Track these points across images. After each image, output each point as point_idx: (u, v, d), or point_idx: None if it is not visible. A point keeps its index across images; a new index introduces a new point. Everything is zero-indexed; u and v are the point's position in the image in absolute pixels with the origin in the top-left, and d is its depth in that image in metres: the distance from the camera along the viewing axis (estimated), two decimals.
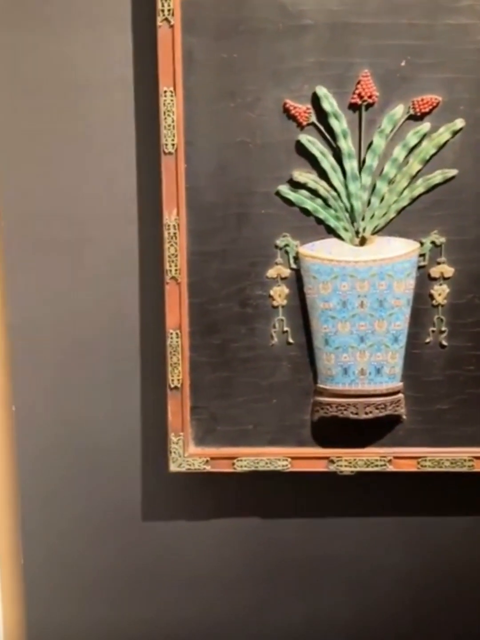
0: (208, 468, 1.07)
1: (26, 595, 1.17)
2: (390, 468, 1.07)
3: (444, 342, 1.05)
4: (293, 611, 1.17)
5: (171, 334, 1.05)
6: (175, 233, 1.02)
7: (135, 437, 1.12)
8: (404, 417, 1.07)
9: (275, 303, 1.05)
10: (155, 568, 1.16)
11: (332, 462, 1.07)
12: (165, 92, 0.99)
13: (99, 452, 1.13)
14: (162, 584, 1.17)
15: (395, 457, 1.06)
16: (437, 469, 1.06)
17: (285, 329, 1.06)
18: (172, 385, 1.06)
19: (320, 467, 1.07)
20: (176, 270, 1.03)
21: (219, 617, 1.17)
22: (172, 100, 1.00)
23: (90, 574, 1.17)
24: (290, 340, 1.06)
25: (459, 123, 1.00)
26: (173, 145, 1.00)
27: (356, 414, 1.05)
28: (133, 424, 1.12)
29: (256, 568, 1.16)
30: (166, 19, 0.98)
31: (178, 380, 1.05)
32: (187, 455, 1.07)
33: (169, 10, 0.97)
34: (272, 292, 1.05)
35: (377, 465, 1.07)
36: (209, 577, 1.16)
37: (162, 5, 0.97)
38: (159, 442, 1.10)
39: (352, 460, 1.07)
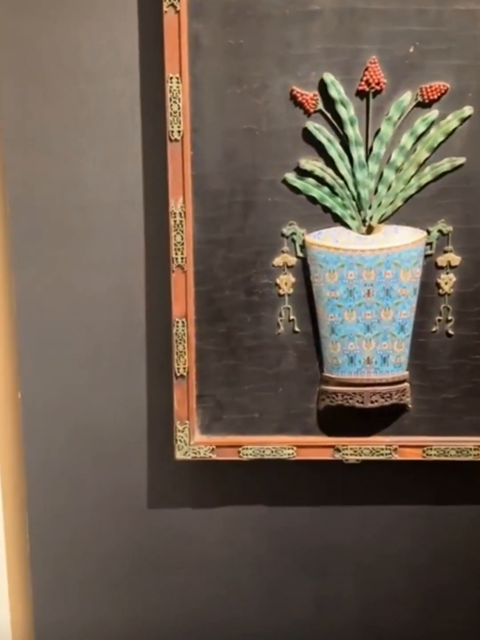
0: (214, 456, 1.08)
1: (32, 583, 1.18)
2: (396, 457, 1.07)
3: (451, 331, 1.05)
4: (300, 598, 1.17)
5: (177, 322, 1.05)
6: (181, 221, 1.02)
7: (141, 425, 1.12)
8: (410, 406, 1.07)
9: (281, 291, 1.05)
10: (161, 555, 1.17)
11: (338, 450, 1.07)
12: (171, 78, 0.99)
13: (105, 440, 1.13)
14: (167, 571, 1.17)
15: (401, 446, 1.07)
16: (442, 458, 1.06)
17: (292, 317, 1.06)
18: (178, 374, 1.06)
19: (325, 455, 1.07)
20: (182, 258, 1.03)
21: (225, 604, 1.18)
22: (178, 87, 0.99)
23: (96, 561, 1.17)
24: (297, 329, 1.06)
25: (468, 110, 0.99)
26: (179, 132, 1.00)
27: (362, 402, 1.05)
28: (139, 412, 1.12)
29: (262, 556, 1.16)
30: (172, 5, 0.97)
31: (184, 368, 1.05)
32: (193, 443, 1.07)
33: None
34: (278, 281, 1.05)
35: (382, 454, 1.07)
36: (215, 565, 1.17)
37: None
38: (165, 430, 1.10)
39: (357, 448, 1.07)
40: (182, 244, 1.02)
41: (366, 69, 0.98)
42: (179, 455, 1.08)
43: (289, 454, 1.07)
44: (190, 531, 1.16)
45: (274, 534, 1.15)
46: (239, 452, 1.07)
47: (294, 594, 1.17)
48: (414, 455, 1.07)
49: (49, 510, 1.16)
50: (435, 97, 0.99)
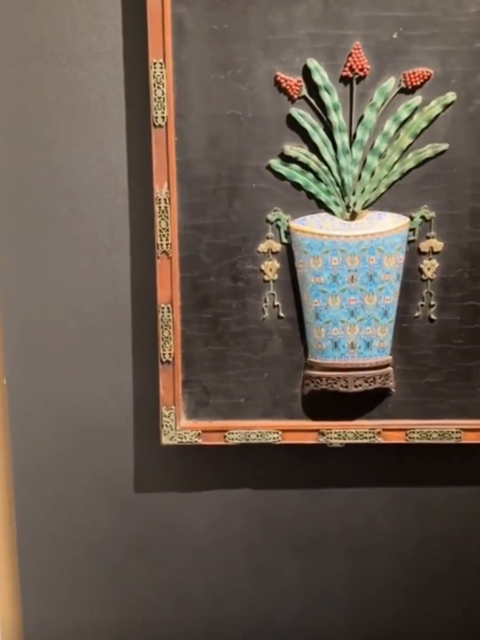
0: (200, 441, 1.08)
1: (19, 569, 1.19)
2: (379, 440, 1.08)
3: (433, 316, 1.06)
4: (289, 579, 1.19)
5: (163, 308, 1.05)
6: (166, 207, 1.02)
7: (128, 411, 1.13)
8: (393, 390, 1.08)
9: (266, 277, 1.06)
10: (149, 540, 1.18)
11: (322, 434, 1.08)
12: (155, 64, 0.98)
13: (91, 426, 1.13)
14: (155, 556, 1.18)
15: (384, 430, 1.08)
16: (425, 441, 1.08)
17: (277, 303, 1.06)
18: (164, 359, 1.06)
19: (310, 439, 1.09)
20: (167, 244, 1.03)
21: (215, 588, 1.19)
22: (162, 72, 0.98)
23: (84, 547, 1.18)
24: (281, 315, 1.07)
25: (451, 96, 1.00)
26: (163, 118, 1.00)
27: (346, 387, 1.06)
28: (125, 398, 1.12)
29: (250, 538, 1.17)
30: None
31: (170, 354, 1.06)
32: (179, 428, 1.08)
33: None
34: (263, 267, 1.05)
35: (366, 437, 1.08)
36: (203, 548, 1.18)
37: None
38: (151, 416, 1.10)
39: (341, 432, 1.08)
40: (167, 230, 1.03)
41: (350, 55, 0.98)
42: (165, 440, 1.09)
43: (274, 438, 1.09)
44: (178, 516, 1.17)
45: (261, 517, 1.17)
46: (225, 436, 1.08)
47: (283, 575, 1.19)
48: (397, 438, 1.08)
49: (36, 496, 1.16)
50: (419, 83, 0.99)
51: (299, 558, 1.18)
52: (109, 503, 1.16)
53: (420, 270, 1.05)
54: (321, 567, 1.18)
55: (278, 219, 1.04)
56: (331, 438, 1.08)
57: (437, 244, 1.04)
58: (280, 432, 1.08)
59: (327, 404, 1.08)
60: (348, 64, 0.99)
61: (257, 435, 1.08)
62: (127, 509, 1.16)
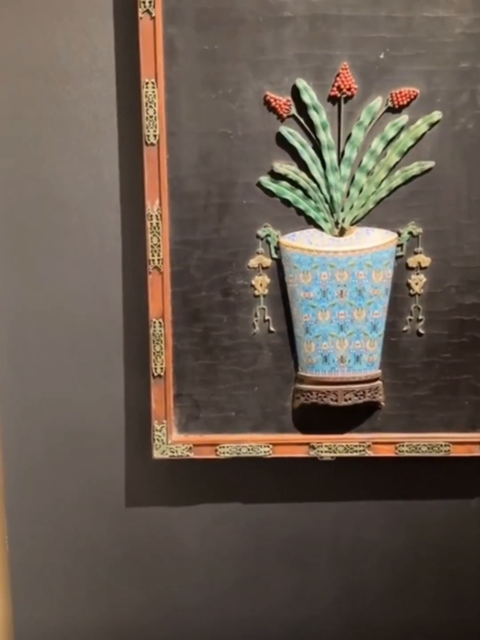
0: (191, 455, 1.09)
1: (11, 581, 1.19)
2: (369, 453, 1.09)
3: (421, 331, 1.07)
4: (279, 592, 1.19)
5: (154, 322, 1.06)
6: (157, 223, 1.03)
7: (119, 425, 1.14)
8: (382, 403, 1.09)
9: (256, 292, 1.07)
10: (140, 554, 1.18)
11: (313, 448, 1.09)
12: (146, 83, 1.00)
13: (83, 440, 1.14)
14: (146, 569, 1.18)
15: (374, 443, 1.09)
16: (414, 454, 1.09)
17: (267, 317, 1.07)
18: (156, 373, 1.07)
19: (301, 453, 1.09)
20: (159, 259, 1.04)
21: (204, 600, 1.19)
22: (153, 92, 1.00)
23: (75, 560, 1.18)
24: (272, 329, 1.08)
25: (436, 115, 1.02)
26: (155, 136, 1.01)
27: (336, 400, 1.07)
28: (117, 412, 1.13)
29: (240, 552, 1.18)
30: (147, 10, 0.98)
31: (161, 368, 1.07)
32: (171, 442, 1.09)
33: (150, 1, 0.98)
34: (253, 282, 1.07)
35: (356, 451, 1.09)
36: (194, 562, 1.18)
37: None
38: (143, 429, 1.11)
39: (332, 445, 1.09)
40: (159, 245, 1.04)
41: (338, 75, 1.00)
42: (156, 454, 1.09)
43: (265, 452, 1.09)
44: (169, 529, 1.17)
45: (252, 531, 1.17)
46: (216, 450, 1.09)
47: (274, 588, 1.19)
48: (387, 451, 1.09)
49: (28, 509, 1.16)
50: (405, 102, 1.01)
51: (289, 570, 1.19)
52: (100, 515, 1.16)
53: (408, 285, 1.06)
54: (312, 579, 1.19)
55: (268, 235, 1.05)
56: (322, 451, 1.09)
57: (425, 259, 1.06)
58: (271, 446, 1.09)
59: (317, 417, 1.09)
60: (336, 84, 1.01)
61: (248, 449, 1.09)
62: (118, 521, 1.17)
